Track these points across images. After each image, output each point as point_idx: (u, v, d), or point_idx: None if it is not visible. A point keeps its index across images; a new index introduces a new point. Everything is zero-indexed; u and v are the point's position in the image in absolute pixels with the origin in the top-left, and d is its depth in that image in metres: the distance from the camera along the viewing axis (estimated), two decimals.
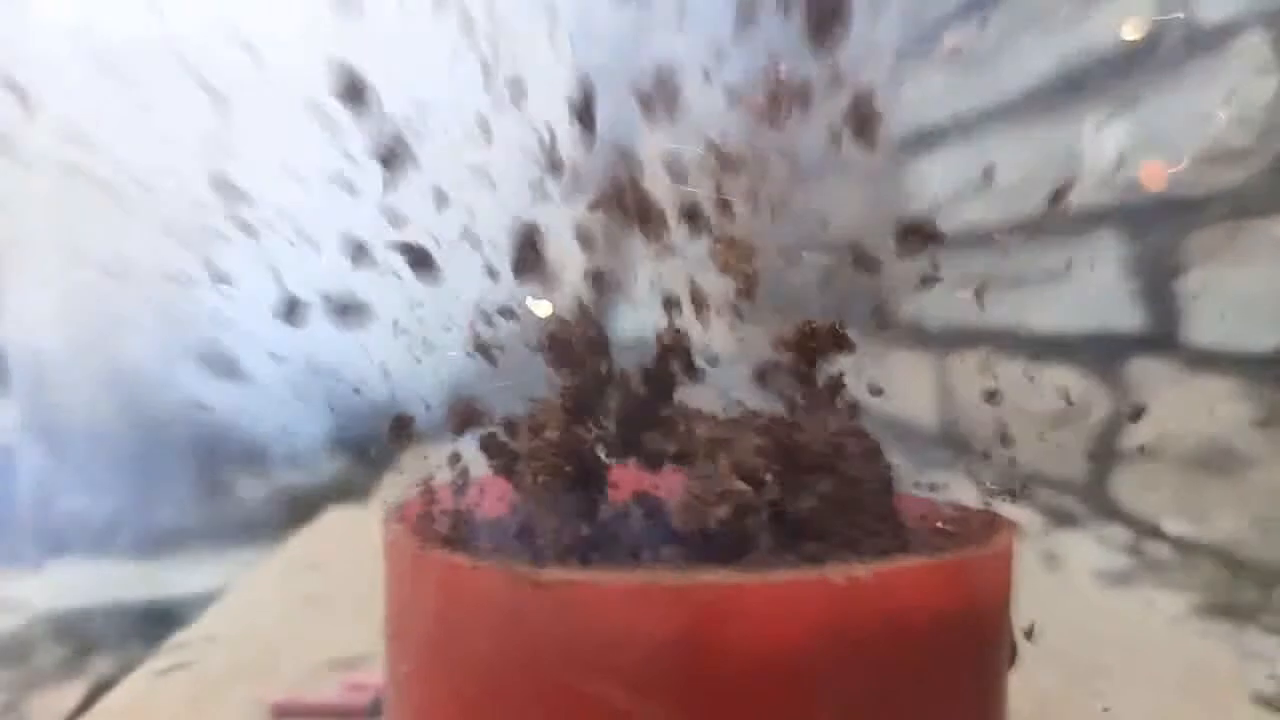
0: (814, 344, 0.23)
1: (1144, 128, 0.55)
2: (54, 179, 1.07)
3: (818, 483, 0.21)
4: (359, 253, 0.24)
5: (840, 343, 0.23)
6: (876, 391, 0.24)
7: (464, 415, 0.23)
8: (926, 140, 0.80)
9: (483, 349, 0.24)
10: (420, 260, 0.23)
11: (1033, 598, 0.21)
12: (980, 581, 0.18)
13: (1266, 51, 0.46)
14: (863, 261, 0.24)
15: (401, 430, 0.23)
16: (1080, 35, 0.59)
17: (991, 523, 0.21)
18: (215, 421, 1.23)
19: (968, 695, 0.19)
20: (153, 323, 1.19)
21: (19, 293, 1.16)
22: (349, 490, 1.06)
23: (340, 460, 1.22)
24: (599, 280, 0.24)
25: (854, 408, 0.23)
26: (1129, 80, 0.55)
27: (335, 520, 0.88)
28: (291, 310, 0.26)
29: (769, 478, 0.21)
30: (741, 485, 0.19)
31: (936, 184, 0.78)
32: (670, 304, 0.23)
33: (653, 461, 0.23)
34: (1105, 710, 0.35)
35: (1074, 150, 0.60)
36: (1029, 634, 0.22)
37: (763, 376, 0.24)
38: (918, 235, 0.23)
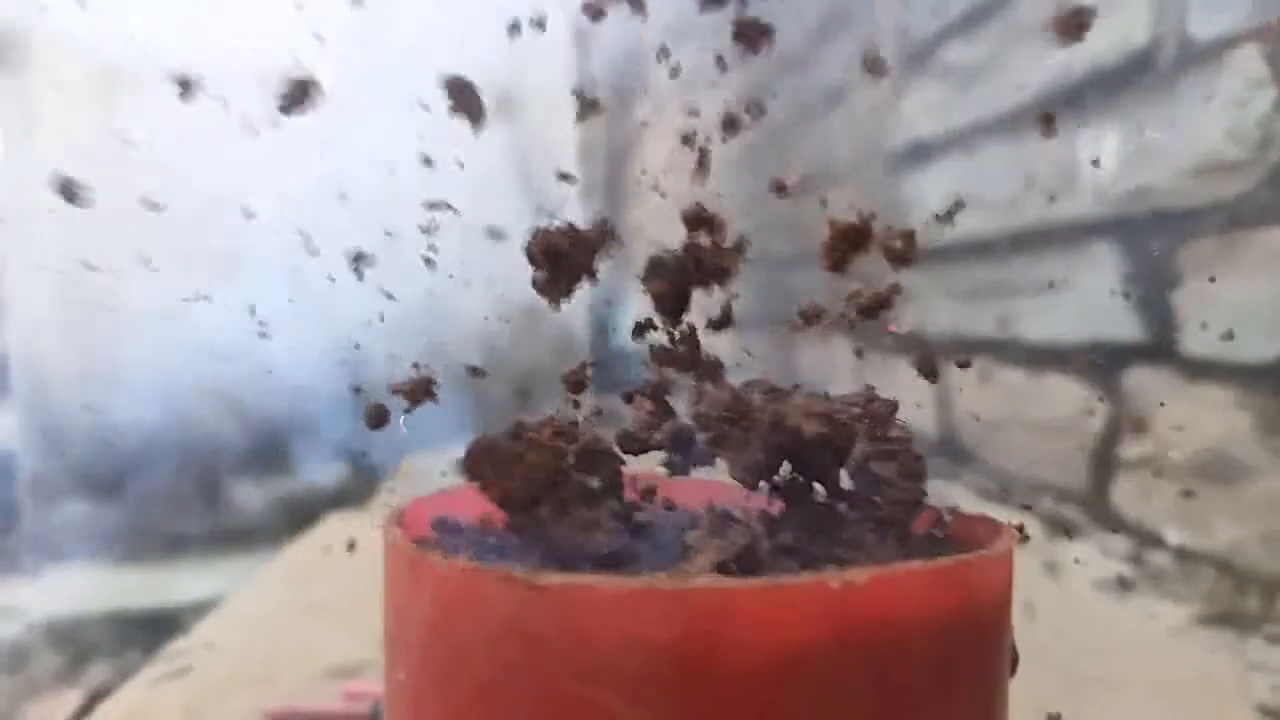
0: (859, 246, 0.20)
1: (1139, 141, 0.55)
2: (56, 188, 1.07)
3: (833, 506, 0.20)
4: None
5: (906, 249, 0.20)
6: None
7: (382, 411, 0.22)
8: (923, 153, 0.80)
9: (358, 260, 0.23)
10: (299, 94, 0.22)
11: (1034, 607, 0.21)
12: (979, 587, 0.18)
13: (1261, 65, 0.47)
14: (872, 67, 0.23)
15: (378, 419, 0.23)
16: (1076, 49, 0.60)
17: (990, 528, 0.21)
18: (215, 428, 1.23)
19: (967, 702, 0.19)
20: (153, 330, 1.19)
21: (21, 299, 1.16)
22: (347, 497, 1.06)
23: (339, 467, 1.21)
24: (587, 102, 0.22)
25: (908, 432, 0.21)
26: (1125, 94, 0.56)
27: (334, 527, 0.88)
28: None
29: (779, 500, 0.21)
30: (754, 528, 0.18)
31: (932, 196, 0.78)
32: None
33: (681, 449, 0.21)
34: None
35: (1069, 163, 0.61)
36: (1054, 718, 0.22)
37: (806, 320, 0.22)
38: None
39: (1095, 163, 0.59)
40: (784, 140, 0.97)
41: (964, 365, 0.24)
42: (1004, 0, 0.67)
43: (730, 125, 0.23)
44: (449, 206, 0.24)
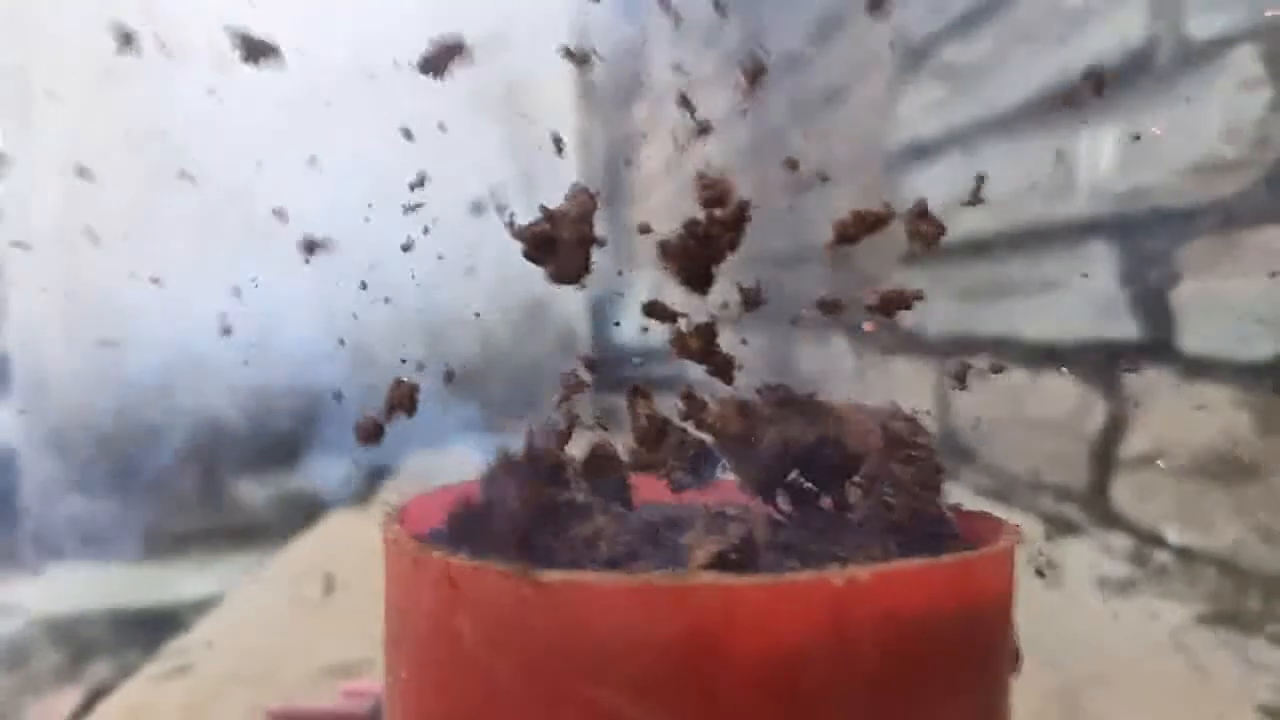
0: (875, 228, 0.21)
1: (1137, 140, 0.55)
2: (57, 187, 1.07)
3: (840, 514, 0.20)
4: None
5: (932, 230, 0.20)
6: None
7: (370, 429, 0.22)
8: (921, 153, 0.80)
9: (309, 244, 0.23)
10: (257, 50, 0.23)
11: (1033, 607, 0.21)
12: (980, 584, 0.18)
13: (1258, 65, 0.47)
14: (875, 3, 0.23)
15: (372, 435, 0.23)
16: (1074, 49, 0.60)
17: (992, 526, 0.21)
18: (218, 426, 1.23)
19: (968, 698, 0.19)
20: (154, 329, 1.19)
21: (21, 298, 1.16)
22: (351, 495, 1.06)
23: (343, 465, 1.21)
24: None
25: (931, 444, 0.20)
26: (1123, 93, 0.56)
27: (335, 525, 0.88)
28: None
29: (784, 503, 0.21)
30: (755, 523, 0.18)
31: (931, 195, 0.78)
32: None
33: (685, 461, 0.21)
34: None
35: (1068, 162, 0.61)
36: None
37: (824, 312, 0.22)
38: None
39: (1093, 162, 0.59)
40: (783, 139, 0.97)
41: (998, 370, 0.24)
42: (1003, 0, 0.67)
43: (755, 76, 0.23)
44: (427, 177, 0.25)
